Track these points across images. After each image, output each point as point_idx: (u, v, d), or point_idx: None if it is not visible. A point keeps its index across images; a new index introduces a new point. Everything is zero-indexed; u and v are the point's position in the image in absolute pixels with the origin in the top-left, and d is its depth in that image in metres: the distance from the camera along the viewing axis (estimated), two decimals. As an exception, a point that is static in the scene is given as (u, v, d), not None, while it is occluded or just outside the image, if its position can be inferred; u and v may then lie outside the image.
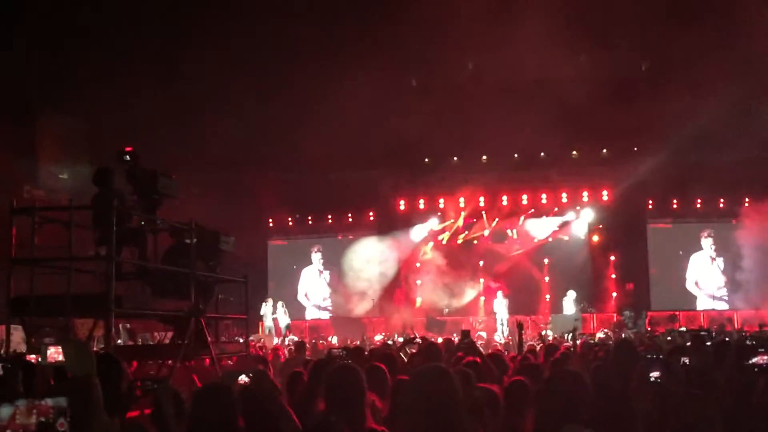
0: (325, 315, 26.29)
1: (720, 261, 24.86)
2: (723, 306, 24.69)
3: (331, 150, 22.24)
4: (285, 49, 20.94)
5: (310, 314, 26.50)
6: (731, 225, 24.27)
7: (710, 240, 24.93)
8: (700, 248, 25.11)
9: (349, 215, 26.95)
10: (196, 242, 9.38)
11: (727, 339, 10.20)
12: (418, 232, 25.97)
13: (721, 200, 24.69)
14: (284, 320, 23.49)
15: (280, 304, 23.84)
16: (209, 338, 9.22)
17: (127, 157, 9.06)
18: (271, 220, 27.20)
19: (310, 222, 27.21)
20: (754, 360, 5.21)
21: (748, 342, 7.87)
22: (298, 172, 24.01)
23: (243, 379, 6.32)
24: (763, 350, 5.23)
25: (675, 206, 25.20)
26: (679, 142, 20.77)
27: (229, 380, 4.93)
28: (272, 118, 21.93)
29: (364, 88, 21.21)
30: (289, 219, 27.14)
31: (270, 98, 21.81)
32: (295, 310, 25.22)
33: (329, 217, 27.07)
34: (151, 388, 4.37)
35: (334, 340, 20.44)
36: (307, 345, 14.06)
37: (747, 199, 24.01)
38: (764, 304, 22.85)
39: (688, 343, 9.81)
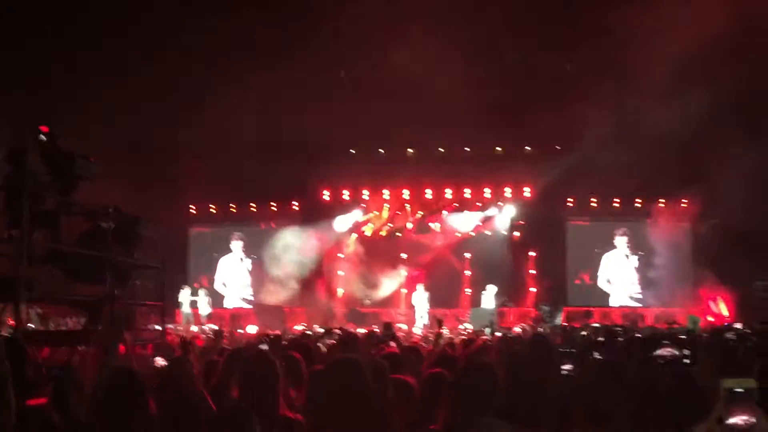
0: (245, 304, 26.05)
1: (633, 259, 25.58)
2: (636, 303, 25.40)
3: (256, 138, 22.01)
4: (212, 35, 20.63)
5: (229, 303, 26.22)
6: (646, 224, 25.01)
7: (624, 238, 25.63)
8: (614, 246, 25.79)
9: (273, 204, 26.73)
10: (113, 227, 9.15)
11: (638, 335, 10.49)
12: (342, 223, 25.96)
13: (637, 200, 25.34)
14: (205, 309, 23.23)
15: (202, 292, 23.58)
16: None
17: (43, 136, 8.77)
18: (193, 207, 26.81)
19: (233, 210, 26.89)
20: (659, 352, 5.38)
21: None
22: (222, 159, 23.67)
23: (160, 362, 6.20)
24: (667, 342, 5.40)
25: (594, 205, 25.75)
26: (599, 141, 21.20)
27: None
28: (198, 104, 21.57)
29: (292, 78, 21.07)
30: (212, 206, 26.78)
31: (196, 83, 21.48)
32: (214, 298, 24.94)
33: (252, 205, 26.81)
34: (56, 374, 4.26)
35: (253, 330, 20.24)
36: (225, 334, 13.90)
37: (662, 200, 24.75)
38: (674, 301, 23.64)
39: (601, 338, 10.06)
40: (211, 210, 26.87)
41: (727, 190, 21.21)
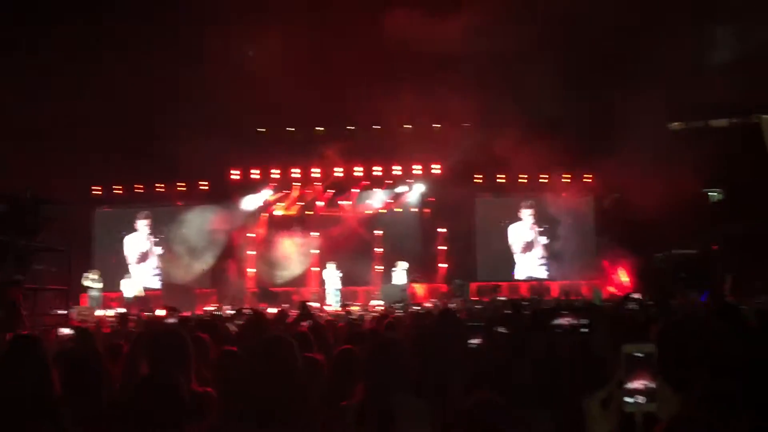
0: (153, 285, 25.52)
1: (539, 232, 26.18)
2: (542, 276, 26.03)
3: (164, 116, 21.56)
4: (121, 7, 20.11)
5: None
6: (551, 199, 25.65)
7: (530, 210, 26.19)
8: (520, 219, 26.32)
9: (181, 184, 26.19)
10: (12, 210, 8.86)
11: (543, 307, 10.79)
12: (251, 202, 25.70)
13: (543, 175, 25.86)
14: (131, 291, 22.78)
15: (132, 276, 23.15)
16: (24, 311, 8.76)
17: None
18: (97, 188, 26.01)
19: (139, 190, 26.19)
20: (556, 321, 5.56)
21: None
22: (127, 137, 23.05)
23: (66, 331, 6.05)
24: (565, 312, 5.57)
25: (501, 180, 26.18)
26: (505, 118, 21.54)
27: None
28: (101, 81, 20.98)
29: (202, 55, 20.71)
30: (117, 187, 26.02)
31: (100, 60, 20.85)
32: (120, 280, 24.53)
33: (159, 185, 26.19)
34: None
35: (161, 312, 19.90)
36: (132, 317, 13.62)
37: (566, 175, 25.41)
38: (579, 273, 24.41)
39: (508, 311, 10.30)
40: (116, 190, 26.09)
41: (628, 165, 21.95)
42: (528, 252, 26.26)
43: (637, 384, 2.64)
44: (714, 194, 23.87)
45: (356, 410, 4.21)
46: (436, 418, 4.23)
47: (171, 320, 7.27)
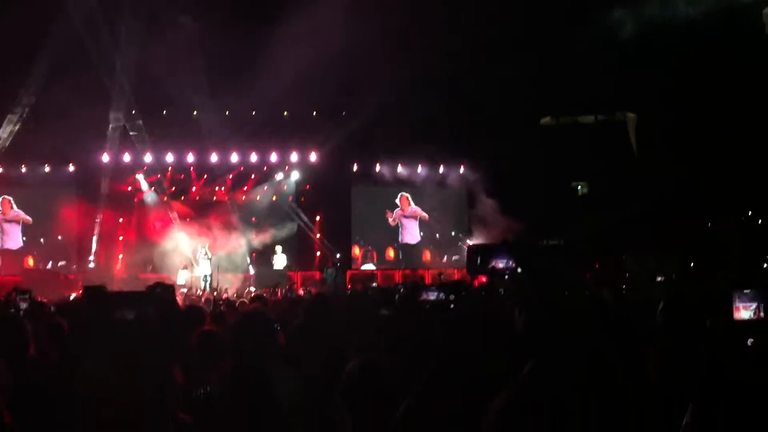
0: (13, 271, 24.25)
1: (413, 222, 26.56)
2: (418, 264, 26.39)
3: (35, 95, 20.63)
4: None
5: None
6: (427, 188, 26.13)
7: (406, 202, 26.53)
8: (397, 208, 26.63)
9: (47, 166, 24.89)
10: None
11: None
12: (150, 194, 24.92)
13: (420, 166, 26.20)
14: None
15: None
16: None
17: None
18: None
19: (-1, 171, 24.70)
20: (423, 296, 5.67)
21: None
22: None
23: None
24: (433, 288, 5.69)
25: (378, 170, 26.33)
26: (384, 107, 21.70)
27: None
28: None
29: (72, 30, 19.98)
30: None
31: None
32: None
33: (23, 167, 24.80)
34: None
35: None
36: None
37: (442, 165, 25.91)
38: (451, 262, 25.02)
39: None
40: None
41: (500, 158, 22.59)
42: (404, 241, 26.62)
43: None
44: (580, 187, 24.85)
45: (226, 382, 4.16)
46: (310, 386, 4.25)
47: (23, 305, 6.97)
